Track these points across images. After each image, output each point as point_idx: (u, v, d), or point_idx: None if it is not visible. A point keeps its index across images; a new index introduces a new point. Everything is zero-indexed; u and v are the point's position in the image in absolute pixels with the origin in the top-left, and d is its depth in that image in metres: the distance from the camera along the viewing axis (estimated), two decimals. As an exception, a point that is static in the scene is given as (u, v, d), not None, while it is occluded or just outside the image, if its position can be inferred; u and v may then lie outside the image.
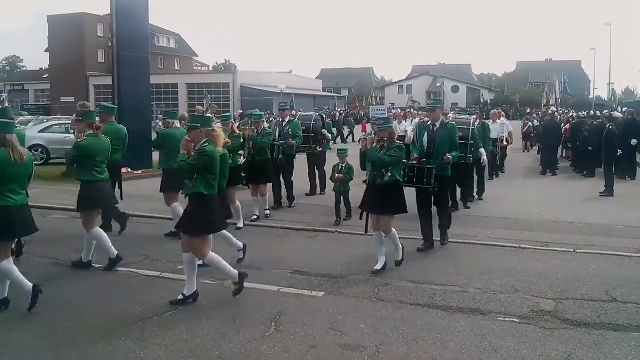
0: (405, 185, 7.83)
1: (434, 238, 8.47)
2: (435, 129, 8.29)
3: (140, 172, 16.68)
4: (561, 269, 7.43)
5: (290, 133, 11.28)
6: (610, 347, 5.04)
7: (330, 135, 14.14)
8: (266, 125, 10.93)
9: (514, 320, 5.67)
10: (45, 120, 25.54)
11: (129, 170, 16.40)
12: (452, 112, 18.51)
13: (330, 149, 14.22)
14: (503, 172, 17.33)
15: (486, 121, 14.49)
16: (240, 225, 9.55)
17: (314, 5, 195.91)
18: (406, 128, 18.73)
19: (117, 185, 9.07)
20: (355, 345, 5.05)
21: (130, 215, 10.22)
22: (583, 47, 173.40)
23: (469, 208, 11.43)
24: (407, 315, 5.77)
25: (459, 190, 11.38)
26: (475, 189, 12.68)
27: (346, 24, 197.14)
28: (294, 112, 15.07)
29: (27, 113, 39.01)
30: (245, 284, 6.70)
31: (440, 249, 8.43)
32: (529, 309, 5.95)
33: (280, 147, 11.04)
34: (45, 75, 68.07)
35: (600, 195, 13.31)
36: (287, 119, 11.64)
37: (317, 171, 13.01)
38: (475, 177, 12.59)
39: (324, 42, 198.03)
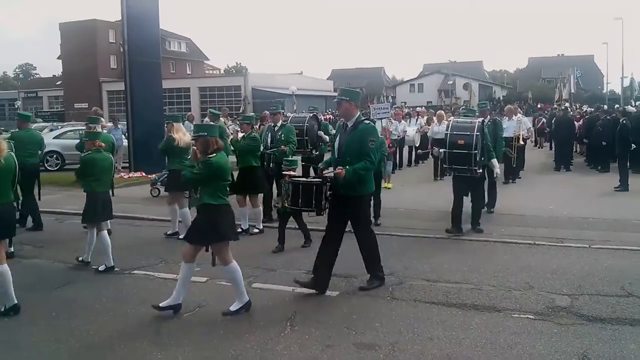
0: (291, 208, 7.06)
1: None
2: (347, 130, 6.42)
3: (153, 176, 16.80)
4: (576, 265, 7.40)
5: (282, 139, 10.19)
6: (626, 342, 5.02)
7: (327, 137, 12.77)
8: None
9: (529, 316, 5.65)
10: (59, 127, 25.77)
11: (143, 174, 16.56)
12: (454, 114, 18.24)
13: (328, 151, 12.49)
14: (519, 177, 15.56)
15: (498, 118, 12.94)
16: (260, 227, 9.69)
17: (323, 6, 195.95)
18: (405, 128, 18.29)
19: (36, 186, 9.83)
20: (370, 344, 5.07)
21: (144, 219, 10.37)
22: (595, 42, 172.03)
23: (481, 231, 9.25)
24: (422, 314, 5.78)
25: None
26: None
27: (356, 24, 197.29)
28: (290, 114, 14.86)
29: (41, 120, 39.42)
30: (260, 285, 6.78)
31: (455, 247, 8.41)
32: (544, 305, 5.93)
33: (272, 155, 10.03)
34: (59, 82, 68.69)
35: (615, 190, 13.22)
36: (279, 124, 10.53)
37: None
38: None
39: (335, 43, 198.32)
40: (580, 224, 9.73)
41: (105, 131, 10.83)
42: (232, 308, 5.83)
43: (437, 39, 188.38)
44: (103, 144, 7.78)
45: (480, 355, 4.80)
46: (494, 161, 9.58)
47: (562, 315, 5.67)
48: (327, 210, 6.60)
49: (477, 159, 8.77)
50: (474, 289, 6.49)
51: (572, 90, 39.02)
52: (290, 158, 8.55)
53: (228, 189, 6.02)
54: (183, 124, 22.78)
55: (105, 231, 7.70)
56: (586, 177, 16.28)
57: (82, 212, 7.73)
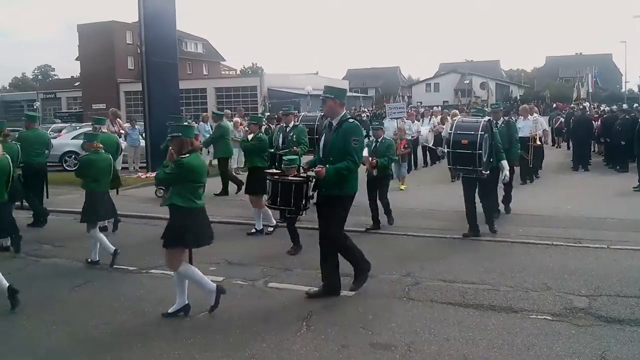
0: (270, 207, 7.04)
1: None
2: (332, 129, 6.28)
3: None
4: (594, 266, 7.33)
5: (294, 140, 10.21)
6: (645, 343, 4.97)
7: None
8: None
9: (547, 317, 5.62)
10: (77, 127, 26.04)
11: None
12: (462, 113, 18.04)
13: None
14: (538, 177, 15.36)
15: (512, 119, 12.86)
16: (273, 223, 9.68)
17: (339, 6, 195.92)
18: (419, 128, 18.15)
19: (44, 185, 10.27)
20: (386, 344, 5.06)
21: (162, 219, 10.40)
22: (613, 40, 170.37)
23: (495, 232, 9.11)
24: (438, 314, 5.77)
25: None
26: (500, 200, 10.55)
27: (372, 24, 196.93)
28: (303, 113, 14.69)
29: (60, 120, 39.83)
30: (277, 285, 6.80)
31: (471, 247, 8.37)
32: (561, 306, 5.89)
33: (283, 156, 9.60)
34: (77, 83, 69.39)
35: (634, 190, 13.07)
36: (291, 124, 10.51)
37: None
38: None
39: (350, 43, 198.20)
40: (598, 224, 9.64)
41: (105, 131, 11.00)
42: (171, 310, 5.83)
43: (454, 39, 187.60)
44: (101, 145, 7.94)
45: (497, 356, 4.78)
46: (504, 163, 9.14)
47: (580, 316, 5.63)
48: (306, 210, 6.61)
49: (483, 159, 8.45)
50: (491, 290, 6.46)
51: (590, 90, 38.63)
52: (290, 157, 8.08)
53: (202, 190, 5.91)
54: (197, 124, 22.95)
55: (97, 228, 7.89)
56: (604, 177, 16.11)
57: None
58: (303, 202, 6.43)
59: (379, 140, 9.86)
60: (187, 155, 5.70)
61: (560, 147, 25.05)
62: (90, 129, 11.09)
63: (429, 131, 18.70)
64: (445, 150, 9.11)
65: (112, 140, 9.91)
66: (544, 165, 16.72)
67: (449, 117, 17.42)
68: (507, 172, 9.23)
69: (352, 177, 6.18)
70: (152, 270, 7.50)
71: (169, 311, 5.82)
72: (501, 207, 10.62)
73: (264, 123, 11.67)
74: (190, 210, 5.72)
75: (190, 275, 5.88)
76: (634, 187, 13.17)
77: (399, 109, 15.58)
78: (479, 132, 8.44)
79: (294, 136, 10.24)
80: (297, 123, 10.69)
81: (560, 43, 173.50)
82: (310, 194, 6.45)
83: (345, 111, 6.30)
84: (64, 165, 20.10)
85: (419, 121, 19.71)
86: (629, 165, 16.19)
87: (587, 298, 6.12)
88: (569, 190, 13.71)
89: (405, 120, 16.51)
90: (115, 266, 7.64)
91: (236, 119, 17.71)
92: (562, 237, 8.75)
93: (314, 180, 6.29)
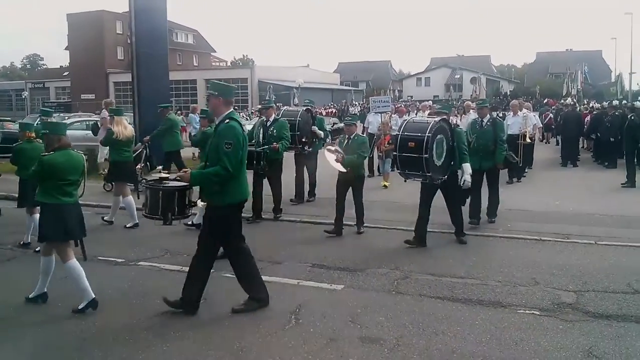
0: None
1: None
2: (267, 124, 8.62)
3: (160, 168, 16.80)
4: (582, 261, 7.37)
5: (275, 135, 9.82)
6: (632, 339, 5.00)
7: (322, 132, 11.86)
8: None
9: (535, 312, 5.64)
10: (66, 118, 25.85)
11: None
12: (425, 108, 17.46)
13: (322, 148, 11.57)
14: (524, 176, 14.73)
15: (499, 117, 11.99)
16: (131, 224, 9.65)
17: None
18: (397, 123, 17.72)
19: None
20: (375, 338, 5.07)
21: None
22: (604, 37, 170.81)
23: (464, 243, 8.34)
24: (427, 308, 5.78)
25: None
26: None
27: (363, 17, 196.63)
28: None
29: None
30: (265, 278, 6.74)
31: (462, 243, 8.39)
32: (549, 302, 5.91)
33: (262, 153, 9.48)
34: (66, 73, 68.86)
35: (622, 186, 13.16)
36: (271, 119, 10.10)
37: (307, 174, 11.70)
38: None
39: (342, 36, 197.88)
40: (586, 220, 9.69)
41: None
42: (79, 306, 5.75)
43: (445, 33, 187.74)
44: (34, 135, 8.01)
45: (485, 351, 4.80)
46: (466, 166, 8.27)
47: (568, 311, 5.66)
48: (175, 220, 5.73)
49: (433, 163, 7.75)
50: (480, 284, 6.48)
51: (579, 87, 38.83)
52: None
53: (75, 187, 5.95)
54: (187, 116, 22.61)
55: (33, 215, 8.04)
56: (593, 173, 16.19)
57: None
58: (171, 213, 5.61)
59: (351, 137, 9.11)
60: (52, 152, 5.77)
61: (549, 143, 25.17)
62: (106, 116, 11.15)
63: None
64: (393, 154, 8.30)
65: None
66: (534, 160, 16.59)
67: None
68: (468, 177, 8.23)
69: (232, 185, 5.48)
70: (140, 263, 7.47)
71: (79, 307, 5.74)
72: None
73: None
74: (56, 206, 5.75)
75: (73, 274, 5.80)
76: (622, 184, 13.26)
77: (384, 102, 14.79)
78: (426, 134, 7.69)
79: (275, 131, 9.85)
80: (277, 117, 10.34)
81: (551, 39, 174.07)
82: (193, 202, 5.77)
83: (230, 110, 5.61)
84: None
85: (407, 115, 19.34)
86: (617, 161, 16.29)
87: (575, 293, 6.16)
88: (558, 186, 13.77)
89: (393, 115, 15.81)
90: (102, 258, 7.59)
91: (173, 113, 17.53)
92: (550, 233, 8.80)
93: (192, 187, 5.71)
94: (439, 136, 7.90)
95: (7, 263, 7.81)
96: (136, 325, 5.40)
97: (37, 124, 9.43)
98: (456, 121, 9.67)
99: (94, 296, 5.77)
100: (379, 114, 14.50)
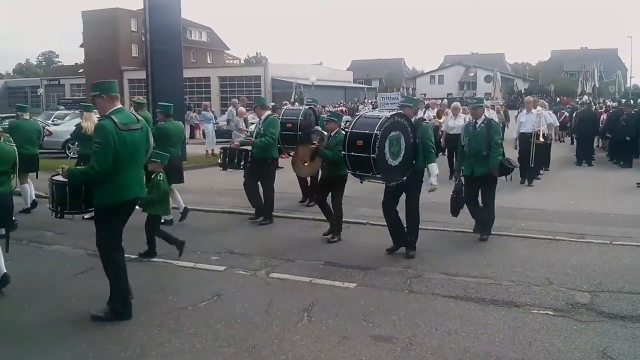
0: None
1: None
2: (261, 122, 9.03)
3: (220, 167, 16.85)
4: (597, 261, 7.31)
5: (262, 132, 9.54)
6: (647, 340, 4.96)
7: (326, 132, 11.97)
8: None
9: (549, 312, 5.61)
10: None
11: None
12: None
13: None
14: (539, 178, 14.04)
15: (495, 119, 10.86)
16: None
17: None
18: None
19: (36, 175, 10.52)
20: (387, 337, 5.06)
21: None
22: (619, 35, 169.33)
23: (412, 257, 7.48)
24: (440, 307, 5.76)
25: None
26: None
27: (377, 14, 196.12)
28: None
29: (63, 107, 39.84)
30: (278, 275, 6.79)
31: (474, 241, 8.35)
32: (564, 302, 5.88)
33: (244, 152, 9.54)
34: (81, 70, 69.30)
35: (638, 186, 13.03)
36: (263, 116, 9.80)
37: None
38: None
39: (355, 33, 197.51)
40: (601, 220, 9.61)
41: (27, 117, 11.15)
42: None
43: (459, 31, 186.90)
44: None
45: (499, 351, 4.77)
46: (432, 167, 7.50)
47: (582, 312, 5.62)
48: (68, 215, 5.72)
49: (384, 163, 7.03)
50: (493, 284, 6.45)
51: (596, 84, 38.45)
52: (159, 152, 7.55)
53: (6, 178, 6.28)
54: (199, 113, 22.54)
55: None
56: (608, 172, 16.05)
57: None
58: (61, 207, 5.63)
59: (332, 133, 8.70)
60: None
61: (563, 142, 25.01)
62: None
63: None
64: (343, 154, 7.51)
65: (34, 127, 10.87)
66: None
67: (448, 111, 15.87)
68: (433, 180, 7.49)
69: (106, 185, 5.31)
70: (154, 259, 7.50)
71: None
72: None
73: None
74: None
75: None
76: (637, 183, 13.13)
77: (393, 99, 14.28)
78: (374, 131, 6.95)
79: (262, 128, 9.60)
80: (270, 114, 9.97)
81: (566, 37, 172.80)
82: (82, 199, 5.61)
83: (116, 107, 5.39)
84: (67, 152, 20.14)
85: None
86: (632, 160, 16.14)
87: (589, 294, 6.11)
88: (572, 185, 13.68)
89: None
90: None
91: (241, 108, 17.63)
92: (564, 232, 8.73)
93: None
94: (393, 133, 7.09)
95: None
96: (150, 322, 5.43)
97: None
98: (428, 115, 9.13)
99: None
100: (387, 111, 13.99)
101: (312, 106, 11.79)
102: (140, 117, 5.65)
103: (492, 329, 5.21)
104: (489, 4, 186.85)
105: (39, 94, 62.81)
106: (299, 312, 5.61)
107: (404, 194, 7.68)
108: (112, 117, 5.24)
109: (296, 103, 22.52)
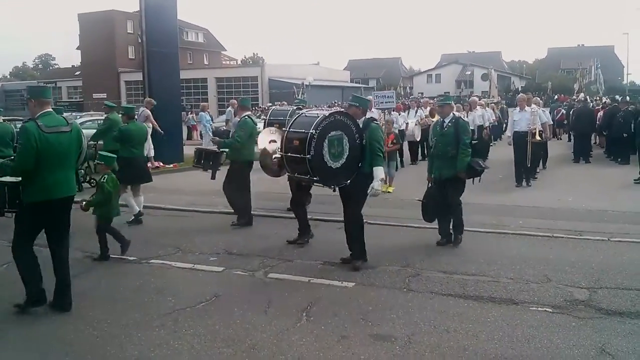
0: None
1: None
2: None
3: (171, 165, 16.92)
4: (595, 258, 7.32)
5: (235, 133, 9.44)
6: (646, 336, 4.96)
7: None
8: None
9: (547, 309, 5.61)
10: (78, 117, 26.01)
11: (161, 164, 16.69)
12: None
13: None
14: (535, 178, 13.75)
15: (464, 117, 10.17)
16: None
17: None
18: (406, 120, 16.76)
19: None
20: (386, 336, 5.06)
21: (162, 209, 10.50)
22: (616, 32, 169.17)
23: (358, 269, 6.93)
24: (438, 306, 5.76)
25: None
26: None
27: (373, 14, 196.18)
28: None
29: (60, 110, 39.76)
30: (276, 275, 6.79)
31: (471, 239, 8.35)
32: (562, 299, 5.88)
33: (211, 153, 9.79)
34: (77, 73, 69.27)
35: (635, 183, 13.05)
36: (238, 118, 9.71)
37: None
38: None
39: (352, 33, 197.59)
40: (599, 217, 9.63)
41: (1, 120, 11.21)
42: None
43: (455, 29, 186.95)
44: None
45: (497, 348, 4.78)
46: (377, 170, 6.86)
47: (581, 308, 5.62)
48: (7, 213, 6.08)
49: (319, 165, 6.61)
50: (491, 282, 6.45)
51: (600, 83, 38.59)
52: (104, 154, 7.93)
53: None
54: (197, 115, 22.43)
55: None
56: (605, 169, 16.08)
57: None
58: (1, 205, 6.06)
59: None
60: None
61: (561, 139, 25.04)
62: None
63: (416, 124, 16.75)
64: (278, 155, 7.32)
65: (7, 130, 10.76)
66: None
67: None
68: (376, 185, 6.82)
69: (32, 185, 5.55)
70: (152, 261, 7.50)
71: None
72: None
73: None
74: None
75: None
76: (634, 180, 13.15)
77: (388, 98, 13.53)
78: (310, 131, 6.55)
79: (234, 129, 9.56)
80: (245, 115, 9.58)
81: (562, 34, 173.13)
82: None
83: (44, 111, 5.61)
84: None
85: (405, 112, 18.09)
86: (630, 157, 16.16)
87: (588, 290, 6.11)
88: (570, 182, 13.69)
89: (393, 112, 14.84)
90: (114, 256, 7.62)
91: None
92: (562, 229, 8.74)
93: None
94: (333, 133, 6.65)
95: None
96: (148, 323, 5.42)
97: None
98: (420, 114, 8.71)
99: None
100: (379, 111, 13.35)
101: (300, 107, 11.62)
102: (71, 121, 5.96)
103: (490, 327, 5.21)
104: (485, 2, 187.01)
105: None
106: (297, 312, 5.60)
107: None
108: (37, 120, 5.51)
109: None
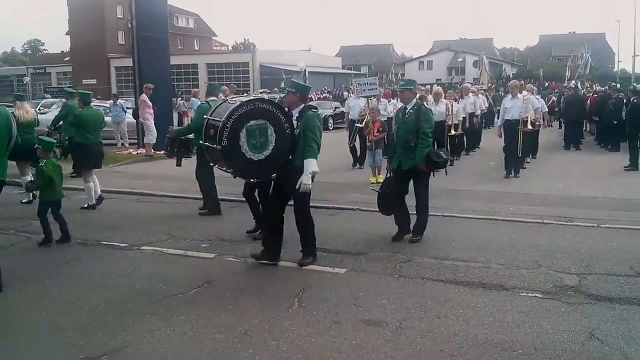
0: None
1: None
2: None
3: (162, 152, 16.83)
4: (585, 244, 7.37)
5: None
6: (634, 321, 5.00)
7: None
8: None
9: (537, 295, 5.65)
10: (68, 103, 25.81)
11: (152, 150, 16.60)
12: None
13: None
14: (524, 168, 13.30)
15: (426, 104, 9.39)
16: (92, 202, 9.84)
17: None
18: (395, 108, 15.81)
19: None
20: (377, 321, 5.08)
21: (153, 195, 10.46)
22: (607, 19, 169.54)
23: (302, 266, 6.62)
24: (429, 291, 5.78)
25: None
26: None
27: (365, 0, 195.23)
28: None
29: (49, 96, 39.46)
30: (268, 262, 6.78)
31: (462, 225, 8.39)
32: (552, 284, 5.92)
33: (177, 140, 9.42)
34: (67, 58, 68.64)
35: (625, 170, 13.14)
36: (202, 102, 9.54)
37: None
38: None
39: (344, 19, 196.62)
40: (589, 203, 9.69)
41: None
42: None
43: (447, 16, 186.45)
44: None
45: (487, 333, 4.80)
46: (308, 163, 6.28)
47: (570, 294, 5.66)
48: None
49: (236, 157, 6.21)
50: (482, 267, 6.48)
51: (587, 70, 38.70)
52: (43, 138, 7.91)
53: None
54: (188, 101, 22.48)
55: None
56: (596, 156, 16.17)
57: None
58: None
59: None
60: None
61: (552, 127, 25.10)
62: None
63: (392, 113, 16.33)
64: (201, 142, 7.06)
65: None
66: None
67: (429, 97, 14.46)
68: (305, 179, 6.28)
69: None
70: (143, 247, 7.48)
71: None
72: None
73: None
74: None
75: None
76: (625, 167, 13.25)
77: (370, 85, 12.98)
78: (222, 120, 6.13)
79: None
80: (203, 102, 9.34)
81: (554, 21, 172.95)
82: None
83: None
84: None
85: (394, 99, 16.94)
86: (620, 144, 16.25)
87: (577, 276, 6.16)
88: (561, 169, 13.77)
89: (382, 99, 14.34)
90: (105, 243, 7.61)
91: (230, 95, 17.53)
92: (553, 216, 8.79)
93: None
94: (253, 122, 6.18)
95: None
96: (140, 310, 5.41)
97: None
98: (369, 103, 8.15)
99: None
100: (361, 98, 13.09)
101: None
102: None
103: (481, 312, 5.24)
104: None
105: (25, 82, 62.21)
106: (289, 298, 5.61)
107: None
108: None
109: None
